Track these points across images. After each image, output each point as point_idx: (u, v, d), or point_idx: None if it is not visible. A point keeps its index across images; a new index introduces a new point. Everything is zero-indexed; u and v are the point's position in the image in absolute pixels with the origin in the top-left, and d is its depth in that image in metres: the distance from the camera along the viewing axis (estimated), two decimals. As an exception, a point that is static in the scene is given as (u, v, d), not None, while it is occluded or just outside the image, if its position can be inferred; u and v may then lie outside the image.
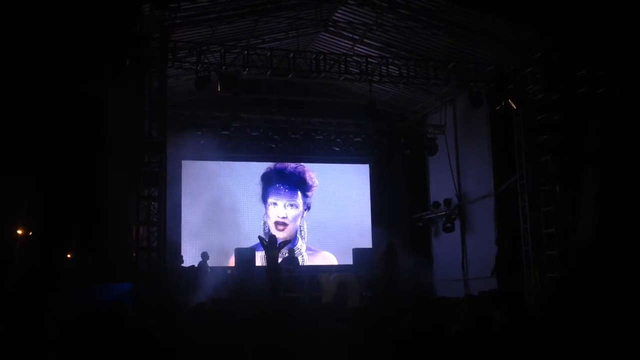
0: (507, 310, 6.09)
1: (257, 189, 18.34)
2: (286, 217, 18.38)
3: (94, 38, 12.20)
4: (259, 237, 15.76)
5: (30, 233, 20.97)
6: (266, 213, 18.34)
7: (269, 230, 18.10)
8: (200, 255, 15.84)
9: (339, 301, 11.51)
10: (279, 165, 18.62)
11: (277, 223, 18.25)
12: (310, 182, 18.79)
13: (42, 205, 17.62)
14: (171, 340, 5.62)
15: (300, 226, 18.56)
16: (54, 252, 18.67)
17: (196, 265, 15.71)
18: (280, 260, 15.41)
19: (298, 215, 18.57)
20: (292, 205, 18.55)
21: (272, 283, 14.02)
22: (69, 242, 19.18)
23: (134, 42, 12.52)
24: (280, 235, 17.99)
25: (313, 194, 18.80)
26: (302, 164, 18.85)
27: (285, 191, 18.60)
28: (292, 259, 16.28)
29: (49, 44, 12.17)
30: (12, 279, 16.83)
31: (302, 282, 15.74)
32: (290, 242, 17.10)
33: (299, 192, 18.68)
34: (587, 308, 5.21)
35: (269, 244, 15.01)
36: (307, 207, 18.67)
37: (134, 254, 12.79)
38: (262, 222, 18.21)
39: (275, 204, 18.44)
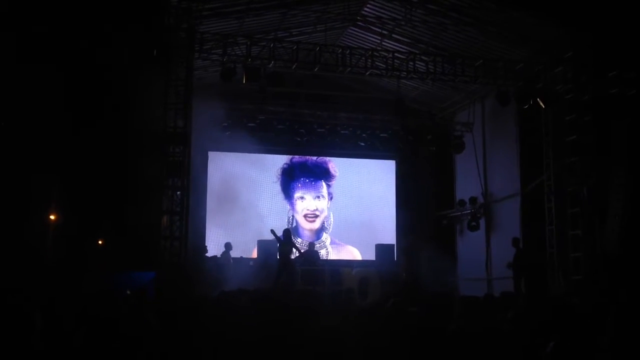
0: (519, 312, 6.03)
1: (277, 185, 18.37)
2: (316, 209, 18.50)
3: (122, 28, 12.33)
4: (272, 231, 14.47)
5: (62, 220, 21.38)
6: (293, 208, 18.38)
7: (297, 224, 18.19)
8: (224, 245, 15.96)
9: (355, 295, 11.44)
10: (297, 158, 18.65)
11: (307, 216, 18.32)
12: (332, 172, 18.86)
13: (72, 192, 17.94)
14: (185, 328, 5.68)
15: (327, 217, 18.61)
16: (86, 239, 19.02)
17: (219, 256, 15.84)
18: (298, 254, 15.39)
19: (325, 206, 18.67)
20: (319, 197, 18.64)
21: (281, 277, 13.86)
22: (99, 230, 19.53)
23: (161, 33, 12.62)
24: (310, 227, 18.08)
25: (334, 183, 18.85)
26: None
27: (311, 184, 18.65)
28: (312, 252, 16.25)
29: (75, 35, 12.33)
30: (45, 263, 17.20)
31: (323, 275, 15.77)
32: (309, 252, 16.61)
33: (323, 183, 18.75)
34: (619, 310, 5.12)
35: (285, 238, 14.62)
36: (331, 197, 18.74)
37: (161, 243, 12.94)
38: (287, 218, 18.25)
39: (302, 198, 18.50)
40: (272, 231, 14.48)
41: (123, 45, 12.46)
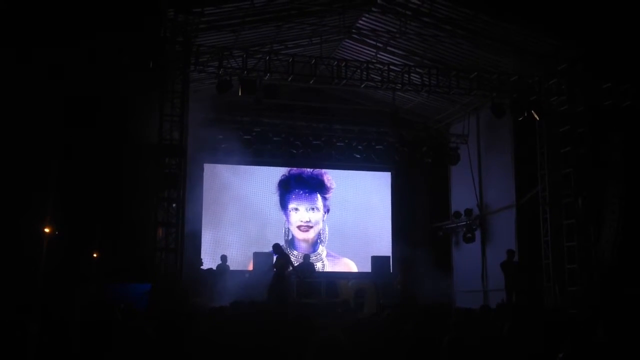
0: (515, 323, 6.03)
1: (275, 197, 18.40)
2: (309, 221, 18.46)
3: (118, 40, 12.35)
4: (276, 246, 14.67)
5: (57, 232, 21.27)
6: (288, 220, 18.38)
7: (292, 236, 18.18)
8: (219, 258, 15.96)
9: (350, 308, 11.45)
10: (294, 171, 18.67)
11: (300, 227, 18.31)
12: (328, 185, 18.85)
13: (67, 204, 17.86)
14: (179, 338, 5.67)
15: (322, 229, 18.59)
16: (80, 251, 18.91)
17: (214, 268, 15.81)
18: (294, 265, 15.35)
19: (320, 218, 18.63)
20: (313, 208, 18.62)
21: (275, 292, 13.81)
22: (94, 242, 19.43)
23: (157, 45, 12.65)
24: (305, 237, 18.07)
25: (330, 196, 18.84)
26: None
27: (305, 195, 18.64)
28: (307, 265, 16.22)
29: (72, 45, 12.33)
30: (39, 275, 17.09)
31: (319, 288, 15.76)
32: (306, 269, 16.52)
33: (318, 195, 18.73)
34: (611, 319, 5.13)
35: (277, 253, 14.63)
36: (327, 210, 18.71)
37: (155, 255, 12.90)
38: (283, 230, 18.25)
39: (296, 209, 18.50)
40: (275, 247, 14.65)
41: (120, 57, 12.45)
